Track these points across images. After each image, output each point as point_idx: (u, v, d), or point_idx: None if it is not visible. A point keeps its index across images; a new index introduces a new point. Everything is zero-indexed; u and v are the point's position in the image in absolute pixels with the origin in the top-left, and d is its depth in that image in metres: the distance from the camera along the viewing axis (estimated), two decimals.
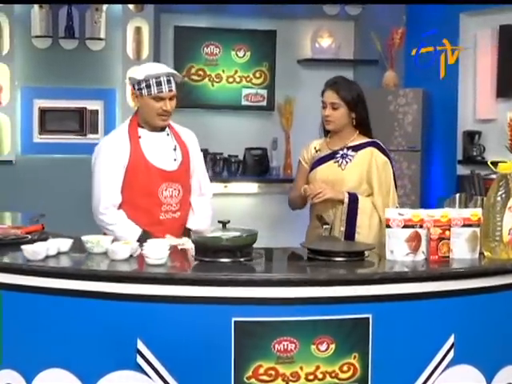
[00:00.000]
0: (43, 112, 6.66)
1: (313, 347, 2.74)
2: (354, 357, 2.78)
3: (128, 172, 3.54)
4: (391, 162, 3.92)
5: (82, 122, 6.72)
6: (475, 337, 2.93)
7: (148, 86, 3.49)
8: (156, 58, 6.68)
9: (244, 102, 7.26)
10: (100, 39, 6.69)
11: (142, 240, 3.30)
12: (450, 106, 6.63)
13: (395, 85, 6.97)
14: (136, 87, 3.54)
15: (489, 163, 3.16)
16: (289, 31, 7.35)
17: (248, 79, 7.24)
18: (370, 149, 3.88)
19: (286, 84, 7.26)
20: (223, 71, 7.18)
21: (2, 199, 6.24)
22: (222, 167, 7.14)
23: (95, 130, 6.72)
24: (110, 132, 3.86)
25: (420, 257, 3.04)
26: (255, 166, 7.23)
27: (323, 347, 2.75)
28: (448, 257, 3.04)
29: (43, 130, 6.69)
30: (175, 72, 3.61)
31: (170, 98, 3.53)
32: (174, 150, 3.64)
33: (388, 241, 3.05)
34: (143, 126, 3.60)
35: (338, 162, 3.88)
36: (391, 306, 2.82)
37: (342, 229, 3.79)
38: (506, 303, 3.00)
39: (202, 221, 3.72)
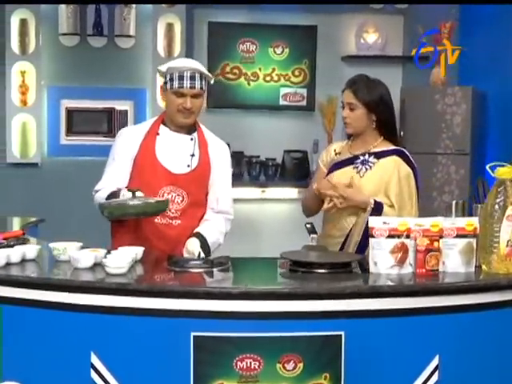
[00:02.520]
0: (70, 112, 6.56)
1: (278, 366, 2.57)
2: (325, 377, 2.60)
3: (134, 165, 3.47)
4: (415, 174, 3.58)
5: (111, 122, 6.59)
6: (463, 358, 2.69)
7: (171, 80, 3.38)
8: (189, 55, 6.47)
9: (282, 102, 7.03)
10: (129, 36, 6.58)
11: (113, 195, 3.30)
12: (505, 105, 6.28)
13: (443, 83, 6.63)
14: (163, 81, 3.46)
15: (487, 167, 2.87)
16: (331, 26, 7.08)
17: (286, 78, 7.01)
18: (393, 158, 3.58)
19: (327, 82, 6.94)
20: (260, 69, 6.97)
21: (27, 203, 6.25)
22: (258, 171, 6.89)
23: None
24: None
25: (407, 270, 2.81)
26: (294, 169, 6.95)
27: (290, 366, 2.58)
28: (437, 270, 2.79)
29: (70, 131, 6.58)
30: (202, 70, 3.43)
31: (194, 96, 3.38)
32: (192, 155, 3.49)
33: (371, 252, 2.82)
34: (167, 124, 3.50)
35: (357, 167, 3.60)
36: (366, 322, 2.61)
37: (358, 238, 3.48)
38: (498, 322, 2.74)
39: (212, 231, 3.49)
